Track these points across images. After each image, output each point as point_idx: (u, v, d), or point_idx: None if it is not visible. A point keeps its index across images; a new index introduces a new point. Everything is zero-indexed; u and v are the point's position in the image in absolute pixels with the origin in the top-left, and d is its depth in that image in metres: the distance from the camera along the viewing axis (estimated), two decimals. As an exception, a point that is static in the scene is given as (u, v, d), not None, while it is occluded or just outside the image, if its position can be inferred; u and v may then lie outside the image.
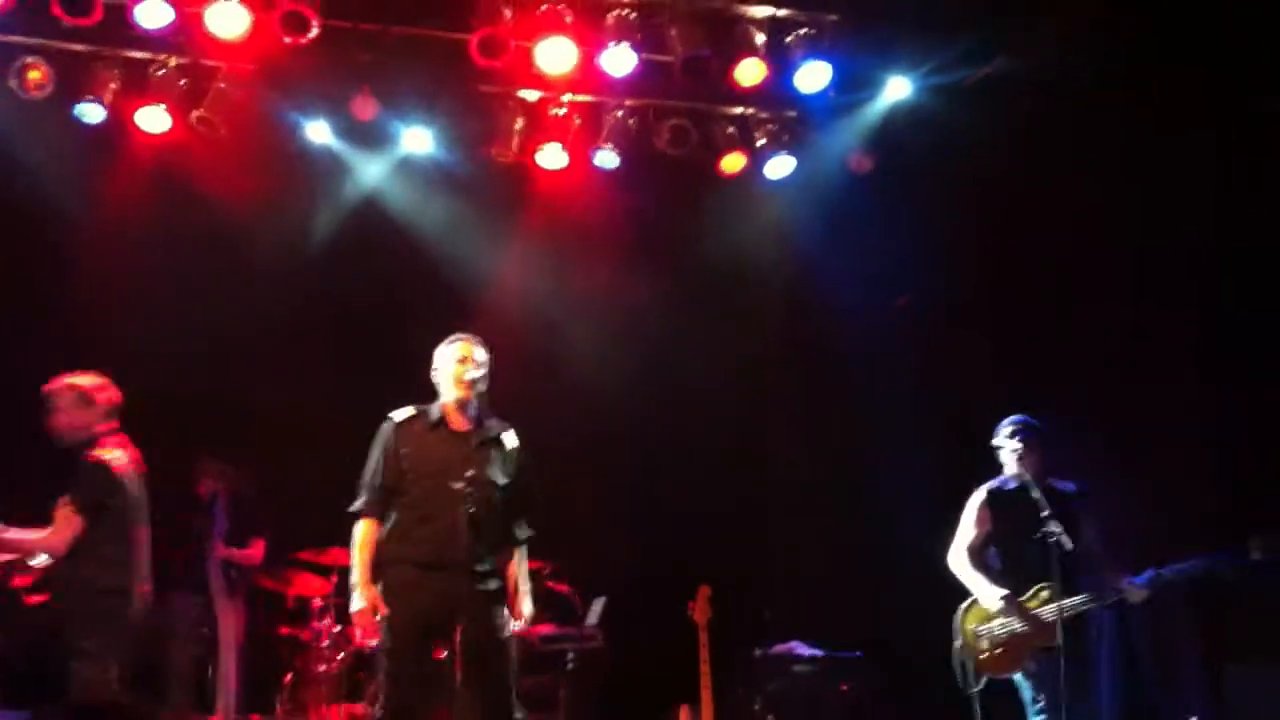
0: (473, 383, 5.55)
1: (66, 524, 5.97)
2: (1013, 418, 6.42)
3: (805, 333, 8.98)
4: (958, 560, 6.42)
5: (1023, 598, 6.17)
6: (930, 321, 8.60)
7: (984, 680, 6.25)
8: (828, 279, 8.69)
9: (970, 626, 6.31)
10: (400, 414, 5.68)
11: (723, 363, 8.98)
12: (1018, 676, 6.22)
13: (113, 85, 7.57)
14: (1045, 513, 5.86)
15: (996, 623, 6.22)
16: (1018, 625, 6.14)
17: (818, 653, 8.03)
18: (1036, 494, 5.95)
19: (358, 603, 5.43)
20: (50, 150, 7.87)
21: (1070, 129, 7.75)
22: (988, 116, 7.77)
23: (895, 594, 7.94)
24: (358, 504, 5.59)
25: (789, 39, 7.63)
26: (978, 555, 6.42)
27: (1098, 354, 7.89)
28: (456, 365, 5.60)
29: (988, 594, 6.24)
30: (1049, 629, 5.94)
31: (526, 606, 5.62)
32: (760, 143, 8.12)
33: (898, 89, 8.07)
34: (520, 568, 5.69)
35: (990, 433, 6.45)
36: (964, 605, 6.37)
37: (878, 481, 8.23)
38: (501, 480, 5.59)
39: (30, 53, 7.46)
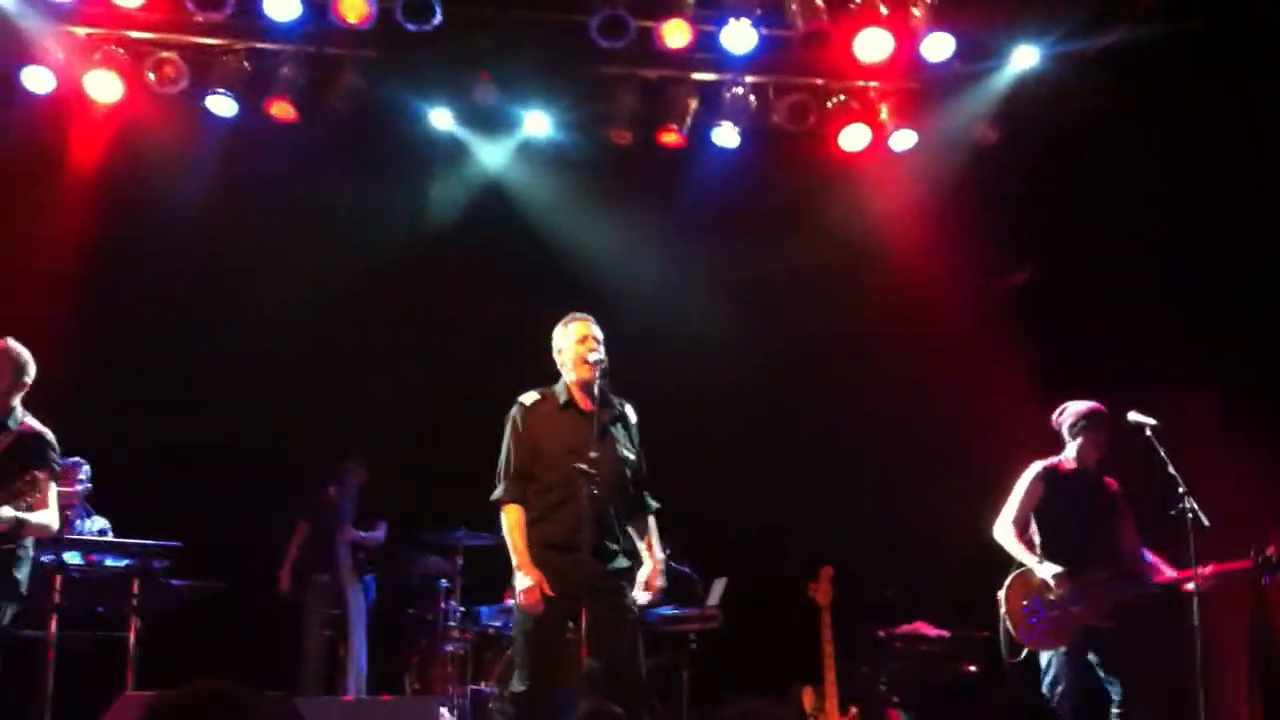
0: (596, 362, 5.56)
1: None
2: (1082, 403, 6.41)
3: (924, 310, 8.82)
4: (1004, 531, 6.38)
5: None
6: (1050, 299, 8.41)
7: (1024, 653, 6.24)
8: (949, 255, 8.55)
9: (1017, 597, 6.26)
10: (527, 398, 5.70)
11: (842, 340, 8.87)
12: (1047, 653, 6.20)
13: (243, 78, 7.75)
14: (1182, 488, 5.93)
15: (1047, 597, 6.16)
16: (1071, 602, 6.08)
17: (944, 633, 7.92)
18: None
19: (524, 581, 5.41)
20: (182, 143, 8.09)
21: (1198, 98, 7.50)
22: (1113, 84, 7.56)
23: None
24: (499, 492, 5.58)
25: (913, 10, 7.50)
26: (1022, 529, 6.38)
27: (1224, 341, 7.64)
28: (578, 345, 5.62)
29: (1043, 567, 6.19)
30: (1101, 609, 6.03)
31: (659, 580, 5.60)
32: (882, 116, 8.00)
33: (1024, 58, 7.88)
34: (654, 538, 5.71)
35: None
36: (1011, 576, 6.32)
37: (998, 459, 8.07)
38: (630, 456, 5.63)
39: (164, 48, 7.68)
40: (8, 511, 5.72)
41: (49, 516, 5.98)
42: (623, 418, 5.71)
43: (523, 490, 5.56)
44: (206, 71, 7.73)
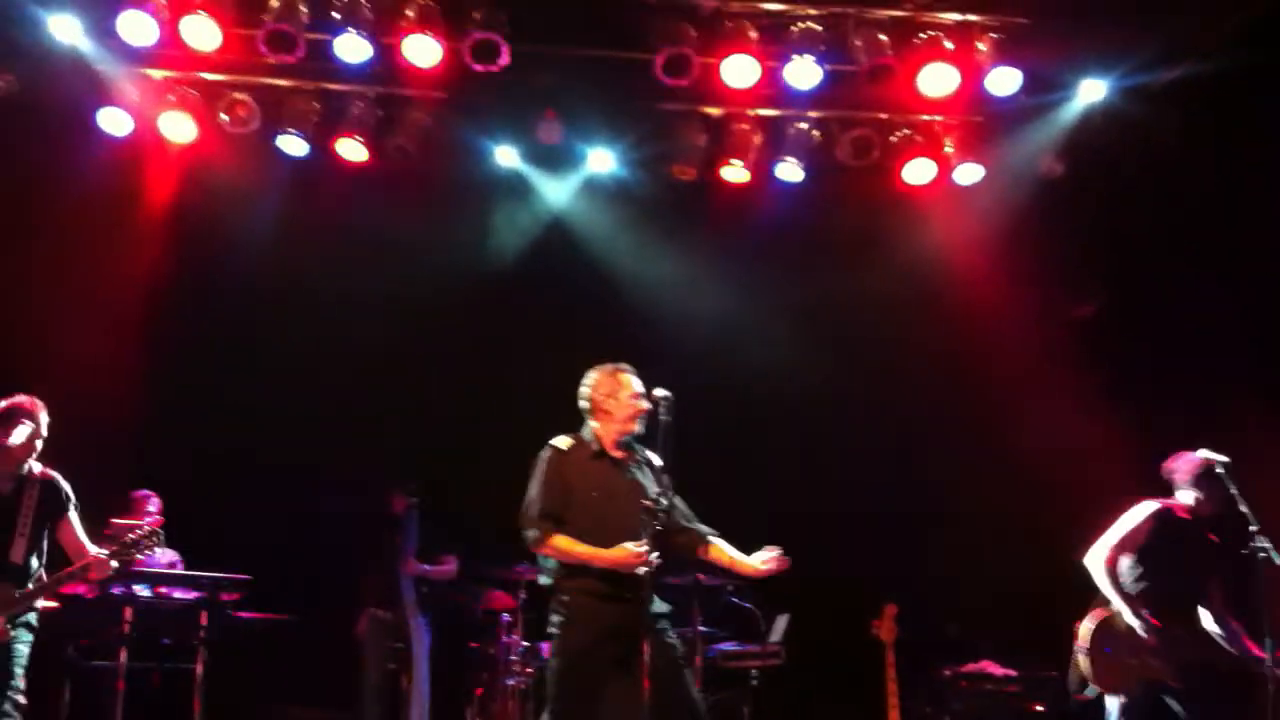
0: (643, 417, 5.61)
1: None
2: (1207, 454, 6.19)
3: (992, 343, 8.74)
4: (1098, 562, 6.14)
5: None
6: (1120, 332, 8.29)
7: (1088, 689, 6.09)
8: (1015, 288, 8.48)
9: (1098, 636, 6.08)
10: (562, 442, 5.71)
11: (906, 374, 8.83)
12: (1113, 698, 6.04)
13: (313, 118, 7.89)
14: (1254, 526, 5.76)
15: (1127, 644, 6.00)
16: (1151, 657, 5.94)
17: (1011, 672, 7.79)
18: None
19: (617, 557, 5.33)
20: (253, 182, 8.24)
21: (1265, 130, 7.41)
22: (1182, 117, 7.48)
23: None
24: (535, 535, 5.52)
25: (978, 44, 7.47)
26: (1117, 565, 6.16)
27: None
28: (630, 400, 5.64)
29: (1135, 618, 6.00)
30: (1174, 667, 5.90)
31: (759, 554, 5.60)
32: (948, 150, 7.96)
33: (1091, 91, 7.81)
34: (726, 549, 5.71)
35: (1176, 446, 6.26)
36: (1096, 612, 6.13)
37: (1064, 495, 7.96)
38: (663, 501, 5.59)
39: (236, 89, 7.84)
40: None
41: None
42: (649, 462, 5.70)
43: (557, 525, 5.52)
44: (278, 112, 7.88)
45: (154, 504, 8.09)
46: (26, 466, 6.01)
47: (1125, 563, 6.19)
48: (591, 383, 5.76)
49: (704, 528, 5.78)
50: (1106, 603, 6.12)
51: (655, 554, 5.34)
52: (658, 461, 5.68)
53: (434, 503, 8.48)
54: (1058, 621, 7.12)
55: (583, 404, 5.76)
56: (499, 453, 8.57)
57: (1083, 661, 6.09)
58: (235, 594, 7.83)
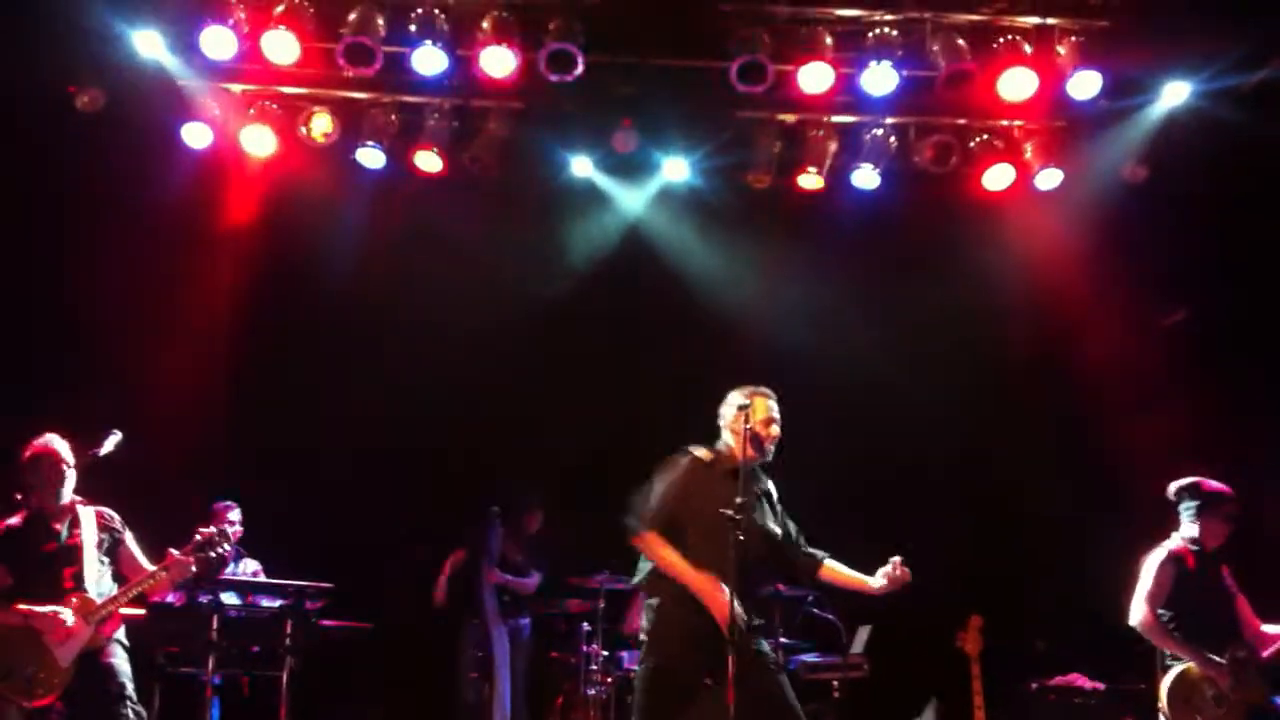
0: (772, 442, 5.59)
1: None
2: (1188, 481, 6.25)
3: (1075, 351, 8.63)
4: (1146, 623, 6.15)
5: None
6: (1205, 340, 8.16)
7: None
8: (1097, 295, 8.37)
9: (1180, 700, 6.02)
10: (702, 452, 5.63)
11: (989, 381, 8.74)
12: None
13: (391, 130, 7.95)
14: None
15: (1209, 693, 5.97)
16: (1232, 690, 5.91)
17: (1099, 685, 7.68)
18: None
19: (708, 590, 5.28)
20: (333, 194, 8.32)
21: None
22: (1267, 121, 7.33)
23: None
24: (641, 522, 5.46)
25: (1058, 48, 7.38)
26: (1160, 618, 6.16)
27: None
28: (764, 427, 5.58)
29: (1200, 661, 5.98)
30: (1258, 687, 5.91)
31: (882, 571, 5.57)
32: (1028, 155, 7.87)
33: (1174, 95, 7.68)
34: (841, 569, 5.70)
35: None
36: (1169, 679, 6.09)
37: (1154, 505, 7.82)
38: (775, 530, 5.58)
39: (315, 102, 7.92)
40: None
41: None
42: (768, 493, 5.67)
43: (663, 527, 5.48)
44: (356, 124, 7.94)
45: (235, 514, 8.20)
46: (69, 501, 6.17)
47: (1164, 615, 6.18)
48: (732, 400, 5.68)
49: (816, 551, 5.75)
50: (1171, 662, 6.12)
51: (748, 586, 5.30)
52: (774, 490, 5.70)
53: (517, 513, 8.54)
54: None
55: (721, 421, 5.70)
56: (579, 461, 8.66)
57: None
58: (319, 602, 7.92)
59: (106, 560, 6.18)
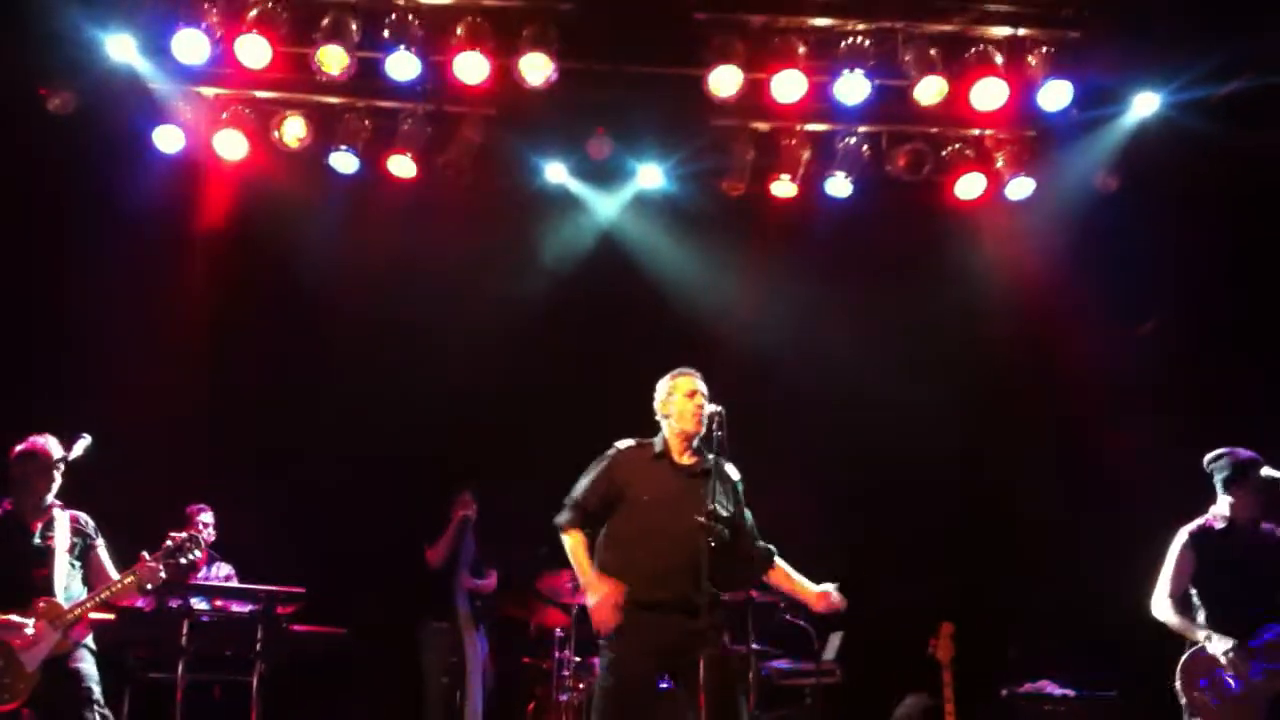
0: (713, 414, 5.50)
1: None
2: (1221, 451, 6.14)
3: (1047, 360, 8.68)
4: (1163, 608, 6.11)
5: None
6: (1178, 348, 8.22)
7: None
8: (1069, 303, 8.42)
9: (1193, 681, 5.96)
10: (624, 443, 5.72)
11: (960, 392, 8.77)
12: None
13: (364, 135, 7.94)
14: None
15: (1225, 676, 5.86)
16: (1253, 675, 5.79)
17: (1069, 692, 7.72)
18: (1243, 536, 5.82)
19: (594, 597, 5.39)
20: (305, 199, 8.30)
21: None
22: (1238, 132, 7.39)
23: (1150, 630, 7.57)
24: (561, 517, 5.60)
25: (1029, 58, 7.42)
26: (1182, 601, 6.09)
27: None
28: (686, 399, 5.62)
29: (1214, 644, 5.89)
30: None
31: (823, 586, 5.60)
32: (1000, 164, 7.92)
33: (1145, 105, 7.74)
34: (789, 572, 5.70)
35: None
36: (1183, 659, 6.01)
37: (1127, 515, 7.88)
38: (724, 513, 5.51)
39: (288, 107, 7.90)
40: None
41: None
42: (720, 474, 5.56)
43: (583, 524, 5.58)
44: (329, 129, 7.93)
45: (207, 516, 8.17)
46: (49, 504, 6.20)
47: (1191, 599, 6.10)
48: (658, 388, 5.78)
49: (767, 547, 5.75)
50: (1194, 647, 6.02)
51: (699, 573, 5.25)
52: (735, 475, 5.67)
53: (488, 518, 8.52)
54: (1118, 641, 7.08)
55: (656, 413, 5.76)
56: (551, 465, 8.63)
57: (1194, 712, 5.94)
58: (290, 607, 7.90)
59: (77, 564, 6.20)
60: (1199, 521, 6.15)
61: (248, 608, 7.83)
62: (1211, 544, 6.05)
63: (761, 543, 5.75)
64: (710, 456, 5.52)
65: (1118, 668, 7.80)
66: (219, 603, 7.96)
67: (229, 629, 7.86)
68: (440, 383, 8.74)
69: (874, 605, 8.32)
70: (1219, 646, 5.86)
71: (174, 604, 7.40)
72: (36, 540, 6.13)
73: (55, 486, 6.21)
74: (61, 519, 6.22)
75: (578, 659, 8.02)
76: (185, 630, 7.53)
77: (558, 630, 8.15)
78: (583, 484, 5.65)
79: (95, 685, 6.03)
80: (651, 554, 5.42)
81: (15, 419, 7.02)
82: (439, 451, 8.72)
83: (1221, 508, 6.11)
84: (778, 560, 5.75)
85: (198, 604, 7.73)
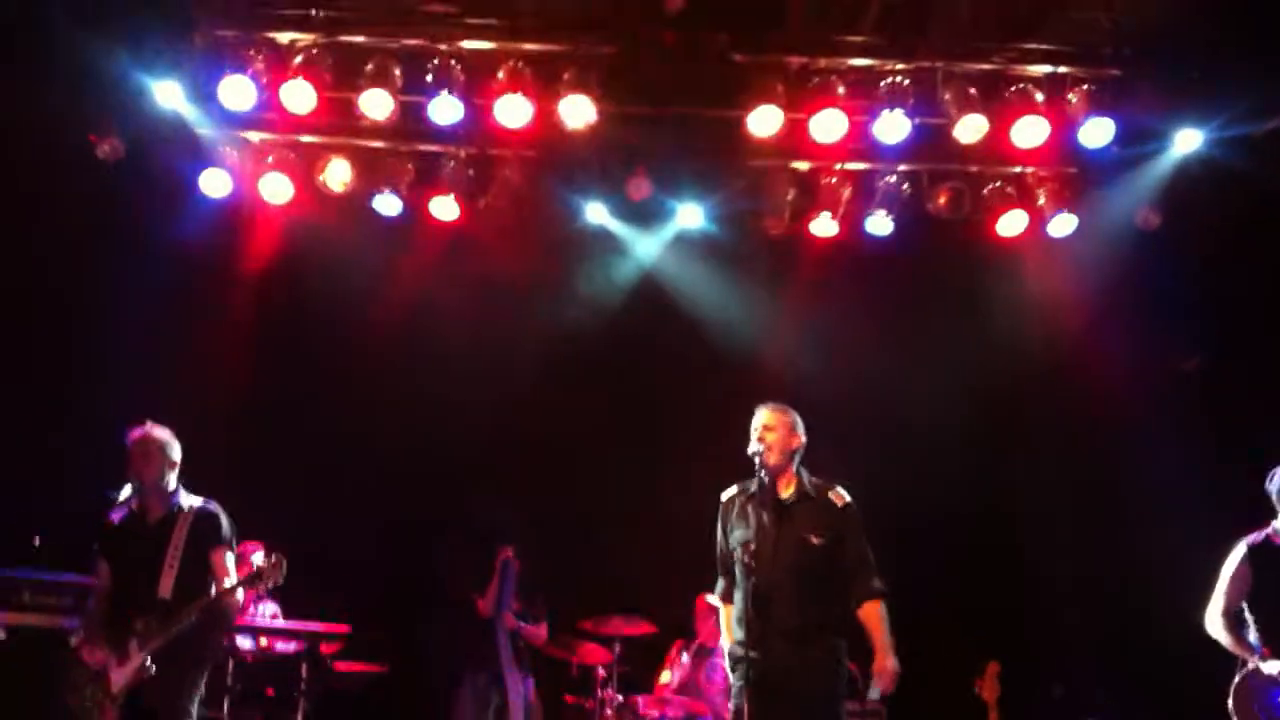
0: (753, 454, 5.55)
1: (233, 568, 6.08)
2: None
3: (1087, 396, 8.63)
4: (1216, 625, 5.96)
5: None
6: (1222, 386, 8.15)
7: None
8: (1112, 341, 8.37)
9: (1246, 702, 5.79)
10: (726, 493, 5.76)
11: (1000, 428, 8.74)
12: None
13: (407, 178, 8.02)
14: None
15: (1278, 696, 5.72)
16: None
17: (1116, 730, 7.65)
18: None
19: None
20: (351, 241, 8.39)
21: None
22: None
23: (1194, 670, 7.48)
24: (717, 590, 5.78)
25: (1069, 96, 7.42)
26: (1236, 618, 5.95)
27: None
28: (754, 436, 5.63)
29: (1270, 664, 5.75)
30: None
31: (887, 662, 5.51)
32: (1041, 202, 7.90)
33: (1187, 142, 7.70)
34: (878, 631, 5.55)
35: None
36: (1236, 678, 5.85)
37: (1170, 551, 7.80)
38: (814, 540, 5.51)
39: (334, 151, 8.00)
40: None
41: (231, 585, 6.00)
42: (813, 501, 5.60)
43: (728, 590, 5.68)
44: (373, 173, 8.01)
45: (259, 556, 8.19)
46: (176, 498, 6.05)
47: (1244, 615, 5.96)
48: None
49: (870, 585, 5.59)
50: (1247, 666, 5.88)
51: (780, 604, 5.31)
52: (841, 501, 5.64)
53: (532, 556, 8.54)
54: (1165, 679, 7.01)
55: None
56: (596, 505, 8.67)
57: None
58: (335, 646, 7.94)
59: (193, 568, 5.92)
60: (1258, 535, 5.99)
61: (292, 646, 7.89)
62: (1271, 559, 5.90)
63: (866, 581, 5.60)
64: (811, 486, 5.61)
65: (1162, 704, 7.71)
66: (264, 641, 8.02)
67: (274, 667, 7.93)
68: (482, 423, 8.78)
69: (919, 645, 8.32)
70: (1274, 667, 5.74)
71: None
72: (156, 539, 5.89)
73: (166, 476, 6.00)
74: (185, 515, 5.97)
75: (620, 698, 8.01)
76: (230, 669, 7.61)
77: (600, 669, 8.15)
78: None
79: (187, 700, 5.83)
80: (743, 596, 5.46)
81: (58, 461, 7.16)
82: (481, 491, 8.74)
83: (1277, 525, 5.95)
84: (869, 603, 5.59)
85: (243, 643, 7.79)
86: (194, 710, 5.98)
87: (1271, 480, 6.03)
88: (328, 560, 8.42)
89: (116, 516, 6.13)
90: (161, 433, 6.16)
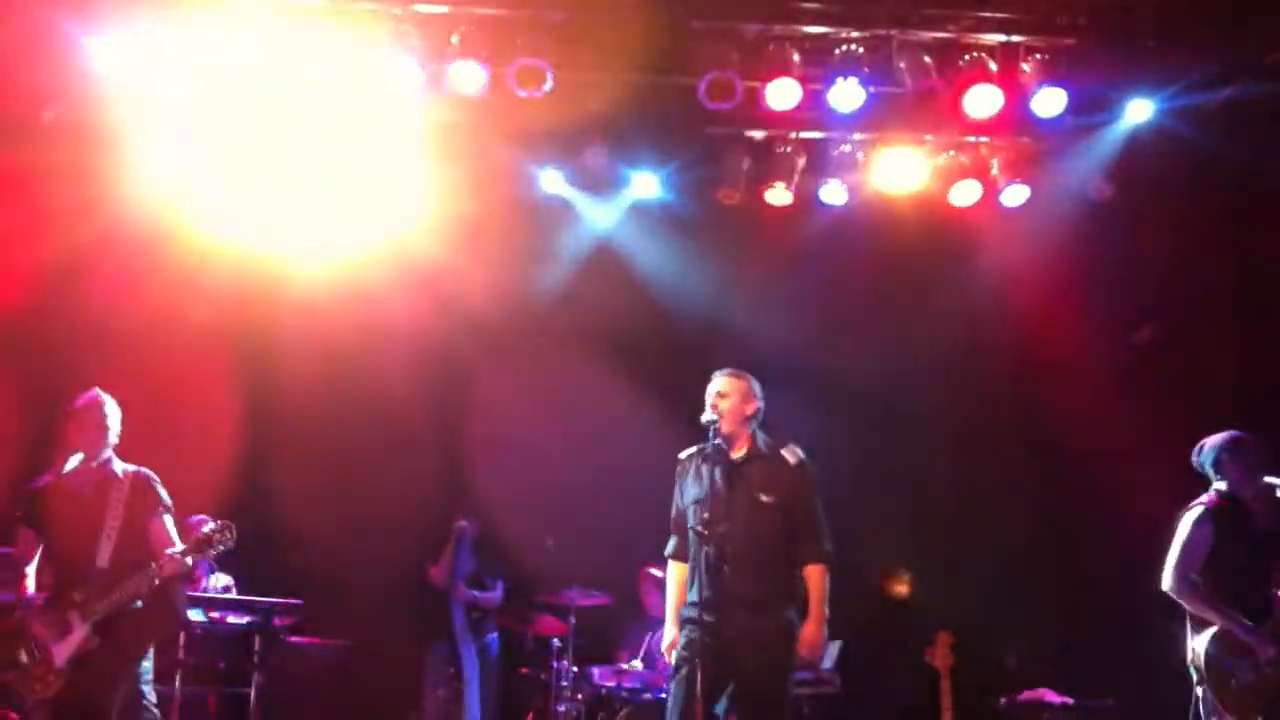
0: (707, 423, 5.54)
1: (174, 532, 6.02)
2: (1219, 435, 6.03)
3: (1041, 367, 8.67)
4: (1181, 585, 5.88)
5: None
6: (1172, 355, 8.20)
7: None
8: (1064, 311, 8.41)
9: (1221, 662, 5.76)
10: (684, 452, 5.78)
11: (954, 398, 8.77)
12: None
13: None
14: None
15: (1245, 661, 5.71)
16: (1272, 664, 5.67)
17: (1068, 700, 7.69)
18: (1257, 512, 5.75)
19: (665, 640, 5.64)
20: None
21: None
22: (1231, 139, 7.40)
23: (1145, 640, 7.54)
24: (666, 548, 5.79)
25: (1023, 65, 7.42)
26: (1196, 579, 5.90)
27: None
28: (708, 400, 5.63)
29: (1243, 629, 5.74)
30: None
31: (811, 631, 5.43)
32: (994, 171, 7.91)
33: (1139, 112, 7.72)
34: (814, 595, 5.48)
35: None
36: (1208, 638, 5.81)
37: (1121, 523, 7.87)
38: (766, 500, 5.49)
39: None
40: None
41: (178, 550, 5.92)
42: (765, 460, 5.59)
43: (679, 549, 5.68)
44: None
45: (208, 527, 8.14)
46: (109, 465, 5.96)
47: (1197, 578, 5.91)
48: None
49: (814, 547, 5.54)
50: (1201, 626, 5.86)
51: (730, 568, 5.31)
52: (794, 458, 5.61)
53: (486, 528, 8.52)
54: (1116, 648, 7.06)
55: None
56: (550, 476, 8.64)
57: (1213, 696, 5.76)
58: (288, 619, 7.89)
59: (132, 536, 5.83)
60: (1208, 498, 5.99)
61: (245, 619, 7.83)
62: (1223, 522, 5.90)
63: (808, 543, 5.53)
64: (766, 447, 5.61)
65: (1114, 673, 7.78)
66: (216, 615, 7.95)
67: (226, 641, 7.86)
68: (434, 395, 8.75)
69: (872, 615, 8.36)
70: (1248, 633, 5.73)
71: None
72: (88, 505, 5.80)
73: (107, 440, 5.91)
74: (121, 481, 5.88)
75: (575, 669, 8.00)
76: (183, 642, 7.54)
77: (555, 640, 8.14)
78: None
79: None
80: (694, 559, 5.45)
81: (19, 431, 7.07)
82: (436, 462, 8.70)
83: (1222, 488, 5.99)
84: (812, 567, 5.52)
85: (195, 616, 7.71)
86: (142, 683, 5.92)
87: (1199, 454, 6.10)
88: (278, 533, 8.38)
89: (43, 482, 6.03)
90: (107, 400, 6.08)
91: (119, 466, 6.03)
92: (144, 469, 6.09)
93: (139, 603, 5.81)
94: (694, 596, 5.45)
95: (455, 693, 8.18)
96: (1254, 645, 5.73)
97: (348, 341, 8.67)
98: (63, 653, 5.71)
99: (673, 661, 5.51)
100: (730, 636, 5.34)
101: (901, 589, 7.10)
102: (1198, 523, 5.93)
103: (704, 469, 5.57)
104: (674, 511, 5.74)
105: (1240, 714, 5.72)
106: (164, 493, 6.07)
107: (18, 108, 7.52)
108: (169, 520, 6.04)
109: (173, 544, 5.94)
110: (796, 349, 8.63)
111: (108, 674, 5.78)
